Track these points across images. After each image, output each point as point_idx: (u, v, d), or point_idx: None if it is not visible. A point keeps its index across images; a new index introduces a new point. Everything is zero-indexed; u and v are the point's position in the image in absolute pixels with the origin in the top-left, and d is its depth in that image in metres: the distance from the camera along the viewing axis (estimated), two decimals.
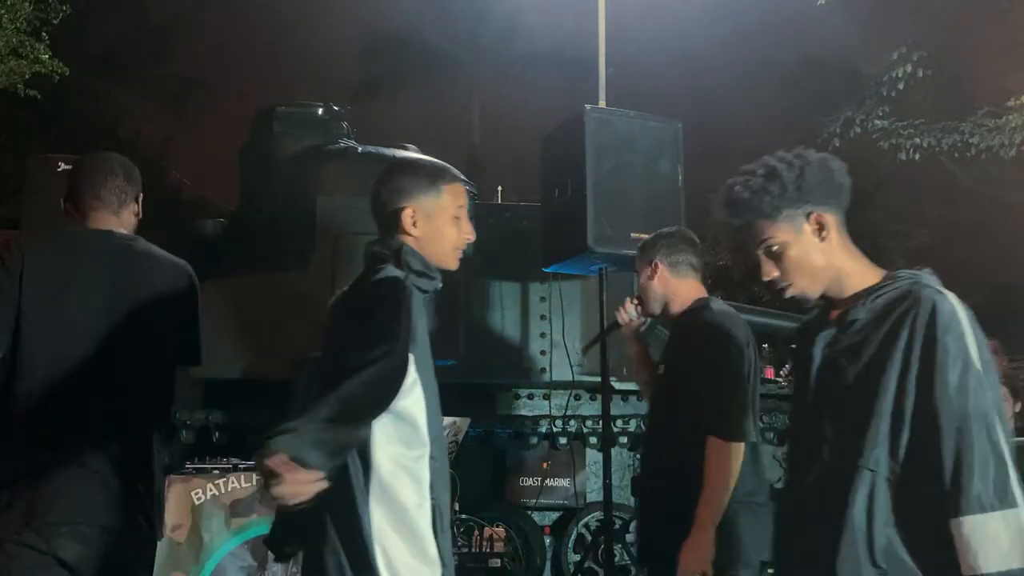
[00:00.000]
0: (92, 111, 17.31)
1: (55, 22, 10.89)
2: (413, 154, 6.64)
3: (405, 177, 2.32)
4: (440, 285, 2.25)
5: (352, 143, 6.49)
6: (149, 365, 2.52)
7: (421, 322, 2.12)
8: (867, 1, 13.62)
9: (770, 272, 1.91)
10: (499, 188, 6.33)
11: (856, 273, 1.91)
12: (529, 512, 5.71)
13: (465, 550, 4.18)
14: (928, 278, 1.86)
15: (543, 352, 5.60)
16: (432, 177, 2.31)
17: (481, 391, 5.76)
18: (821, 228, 1.88)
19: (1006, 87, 13.70)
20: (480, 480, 5.63)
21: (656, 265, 3.10)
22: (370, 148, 6.48)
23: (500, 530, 4.65)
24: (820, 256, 1.89)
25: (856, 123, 14.75)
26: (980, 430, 1.67)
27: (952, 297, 1.81)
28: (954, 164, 15.10)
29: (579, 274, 5.03)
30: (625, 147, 4.46)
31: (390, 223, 2.28)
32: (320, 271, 5.56)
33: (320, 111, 6.53)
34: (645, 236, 4.38)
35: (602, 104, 4.79)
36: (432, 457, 2.08)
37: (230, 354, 5.24)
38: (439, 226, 2.26)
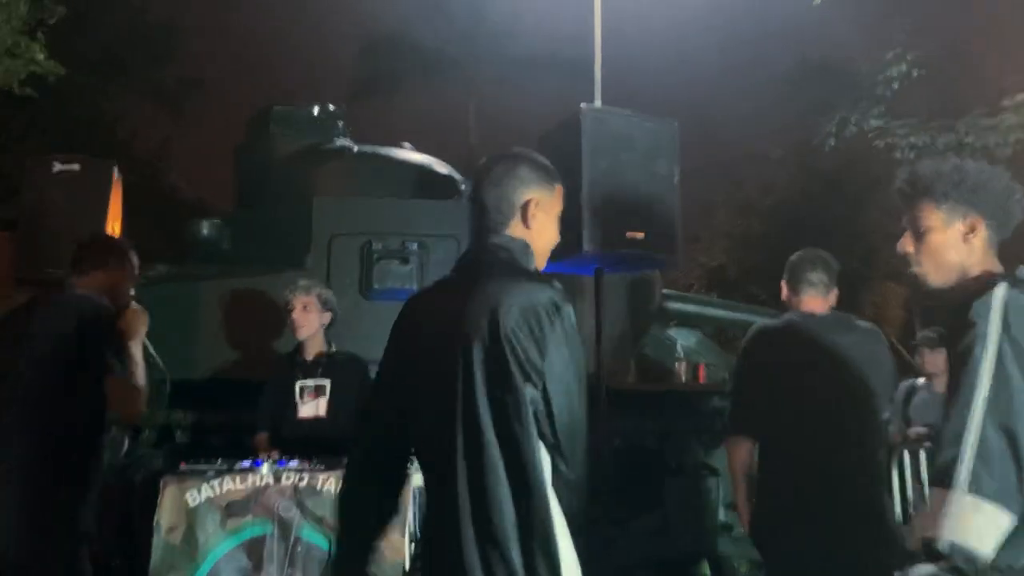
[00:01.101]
0: (90, 112, 17.29)
1: (51, 22, 10.88)
2: (408, 153, 6.64)
3: (524, 167, 2.18)
4: None
5: (348, 143, 6.49)
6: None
7: None
8: (861, 1, 13.65)
9: (906, 246, 2.11)
10: None
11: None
12: None
13: None
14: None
15: None
16: (548, 171, 2.22)
17: None
18: (970, 232, 2.03)
19: (1000, 86, 13.73)
20: None
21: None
22: (366, 148, 6.49)
23: None
24: (955, 254, 2.03)
25: (852, 122, 14.79)
26: None
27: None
28: None
29: (575, 274, 5.02)
30: (621, 147, 4.45)
31: (508, 215, 2.15)
32: (316, 271, 5.56)
33: (316, 111, 6.54)
34: (641, 236, 4.40)
35: (598, 104, 4.78)
36: None
37: (230, 355, 5.24)
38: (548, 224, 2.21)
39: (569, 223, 4.40)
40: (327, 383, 4.18)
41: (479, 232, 2.19)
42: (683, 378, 6.36)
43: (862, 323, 3.49)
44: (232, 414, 5.02)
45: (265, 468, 3.60)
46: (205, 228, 5.88)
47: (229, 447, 4.52)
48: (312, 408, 4.17)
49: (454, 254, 5.67)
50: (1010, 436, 1.73)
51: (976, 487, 1.71)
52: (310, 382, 4.18)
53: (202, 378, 5.12)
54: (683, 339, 7.04)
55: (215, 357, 5.24)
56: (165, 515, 3.46)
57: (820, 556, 3.08)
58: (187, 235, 5.89)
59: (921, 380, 5.28)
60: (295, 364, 4.27)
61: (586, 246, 4.27)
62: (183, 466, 3.65)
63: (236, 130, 6.94)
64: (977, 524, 1.70)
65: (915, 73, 13.73)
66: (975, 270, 2.02)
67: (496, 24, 20.12)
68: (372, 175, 6.27)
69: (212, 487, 3.52)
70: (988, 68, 14.46)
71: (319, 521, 3.53)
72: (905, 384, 5.35)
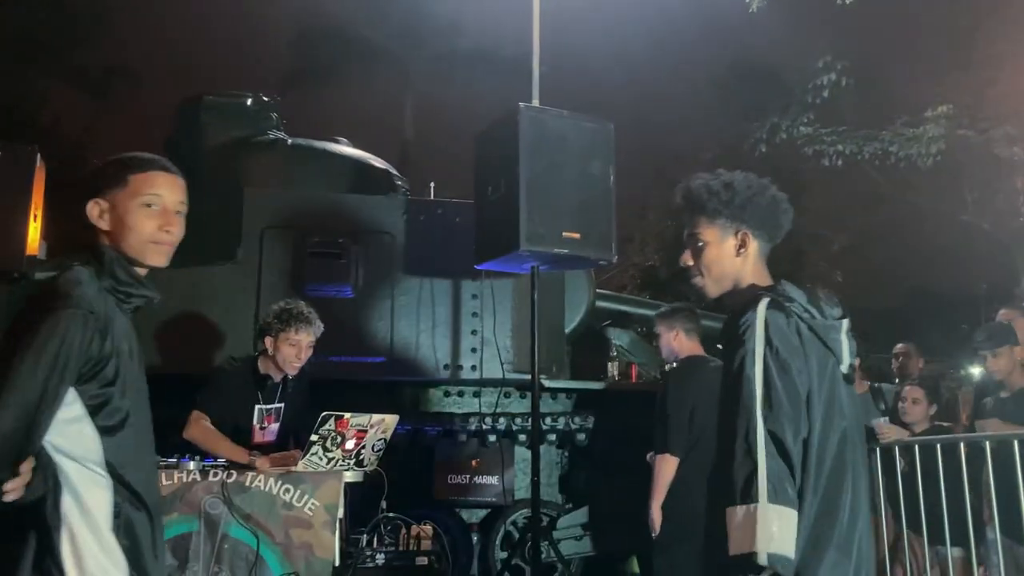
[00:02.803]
0: (10, 97, 16.69)
1: None
2: (343, 148, 6.57)
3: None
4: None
5: (282, 135, 6.39)
6: None
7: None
8: (795, 10, 13.95)
9: (687, 260, 2.26)
10: (431, 184, 6.31)
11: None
12: (457, 510, 5.70)
13: (392, 548, 4.15)
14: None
15: (474, 350, 5.60)
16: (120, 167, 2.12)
17: (411, 388, 5.74)
18: (742, 245, 2.19)
19: (923, 98, 14.20)
20: (408, 478, 5.61)
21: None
22: (300, 140, 6.40)
23: (427, 528, 4.63)
24: (730, 266, 2.20)
25: (782, 129, 15.11)
26: None
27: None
28: (875, 171, 15.60)
29: (511, 272, 5.04)
30: (558, 147, 4.48)
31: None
32: (247, 264, 5.46)
33: (249, 102, 6.43)
34: (576, 236, 4.43)
35: (536, 103, 4.81)
36: None
37: (154, 350, 5.11)
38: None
39: (506, 221, 4.44)
40: (282, 407, 4.08)
41: None
42: (616, 377, 6.43)
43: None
44: (158, 410, 4.90)
45: (192, 465, 3.52)
46: None
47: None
48: (270, 434, 4.07)
49: (390, 250, 5.64)
50: (778, 442, 1.91)
51: (774, 497, 1.87)
52: (270, 407, 4.06)
53: None
54: (616, 338, 7.12)
55: (142, 351, 5.11)
56: None
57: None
58: None
59: None
60: (257, 385, 4.04)
61: (522, 245, 4.29)
62: None
63: (166, 119, 6.79)
64: (782, 530, 1.86)
65: (844, 82, 14.08)
66: (746, 282, 2.19)
67: (434, 19, 20.01)
68: (306, 168, 6.20)
69: None
70: (912, 80, 14.94)
71: (246, 518, 3.47)
72: None
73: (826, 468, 1.96)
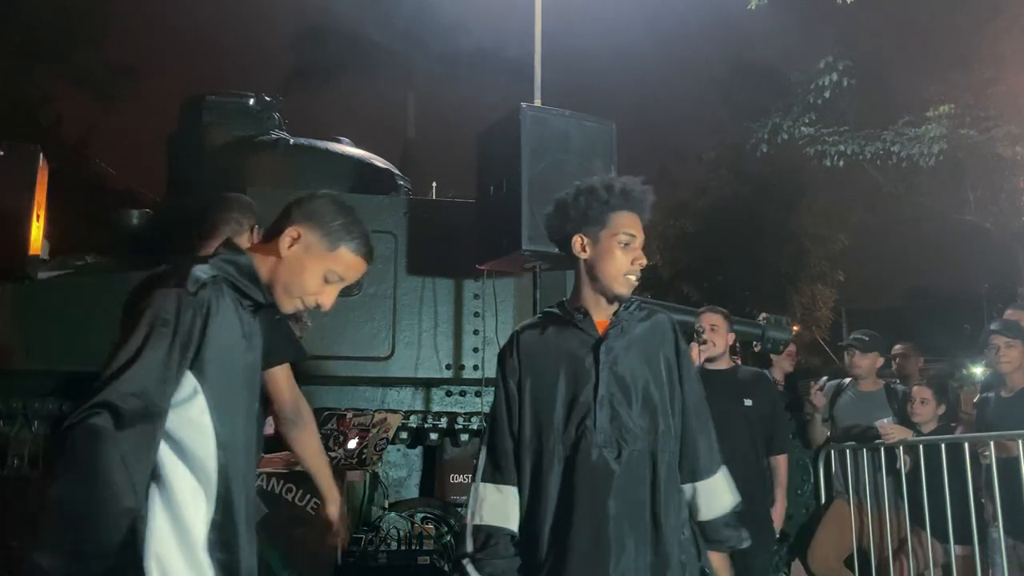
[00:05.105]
0: (12, 96, 16.70)
1: None
2: (345, 147, 6.58)
3: (325, 205, 2.19)
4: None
5: (284, 135, 6.39)
6: None
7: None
8: (796, 9, 13.95)
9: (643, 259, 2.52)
10: (433, 184, 6.30)
11: None
12: (459, 509, 5.70)
13: (394, 547, 4.16)
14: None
15: (476, 349, 5.60)
16: (343, 233, 2.18)
17: (412, 387, 5.74)
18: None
19: (925, 98, 14.19)
20: (411, 477, 5.61)
21: None
22: (302, 140, 6.40)
23: (430, 527, 4.64)
24: None
25: (783, 129, 15.10)
26: None
27: None
28: (876, 171, 15.59)
29: (513, 272, 5.04)
30: (560, 146, 4.48)
31: (272, 230, 2.18)
32: None
33: (251, 102, 6.42)
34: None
35: (538, 103, 4.80)
36: None
37: None
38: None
39: (508, 221, 4.43)
40: None
41: None
42: None
43: None
44: None
45: None
46: (134, 218, 5.73)
47: None
48: (268, 426, 4.08)
49: (392, 250, 5.65)
50: None
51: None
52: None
53: None
54: None
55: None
56: None
57: None
58: (115, 224, 5.73)
59: (847, 380, 5.42)
60: None
61: (524, 244, 4.29)
62: None
63: (168, 118, 6.79)
64: None
65: (845, 82, 14.07)
66: None
67: (437, 19, 20.02)
68: (308, 168, 6.20)
69: None
70: (914, 80, 14.93)
71: None
72: (831, 384, 5.49)
73: None
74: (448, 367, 5.58)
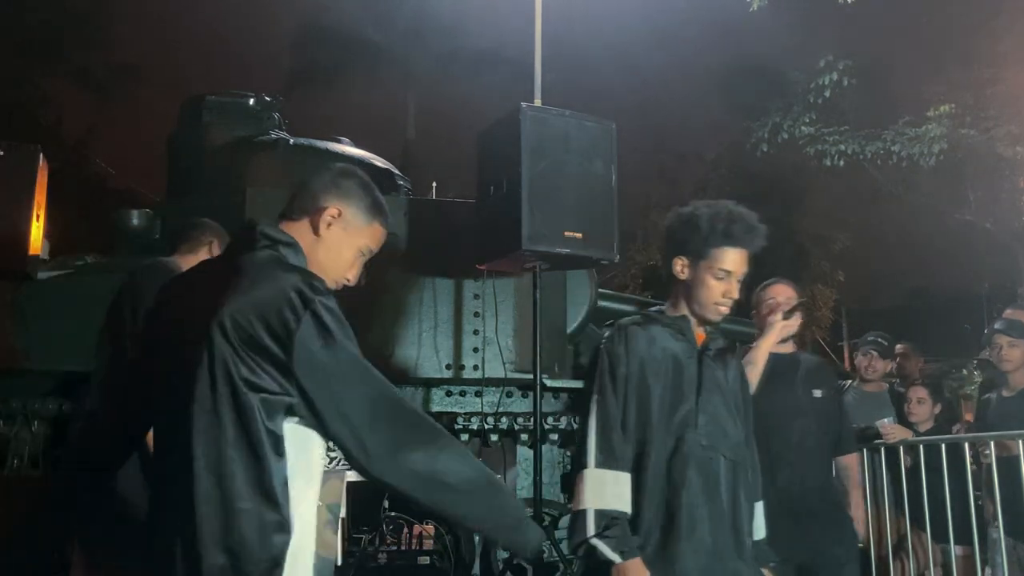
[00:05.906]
0: (12, 96, 16.70)
1: None
2: (345, 148, 6.58)
3: (354, 182, 2.17)
4: None
5: (284, 135, 6.39)
6: None
7: None
8: (796, 9, 13.94)
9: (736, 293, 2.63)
10: (434, 184, 6.31)
11: None
12: None
13: (394, 548, 4.16)
14: None
15: (476, 349, 5.59)
16: (375, 206, 2.17)
17: (412, 388, 5.74)
18: None
19: (925, 97, 14.19)
20: None
21: None
22: (302, 140, 6.40)
23: (429, 527, 4.64)
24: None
25: (784, 129, 15.10)
26: None
27: None
28: (876, 171, 15.59)
29: (513, 272, 5.04)
30: (560, 146, 4.48)
31: (302, 210, 2.09)
32: None
33: (251, 102, 6.42)
34: (578, 235, 4.43)
35: (538, 103, 4.81)
36: None
37: None
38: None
39: (508, 221, 4.44)
40: None
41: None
42: None
43: None
44: None
45: None
46: (135, 218, 5.73)
47: None
48: None
49: (392, 249, 5.64)
50: None
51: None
52: None
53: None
54: None
55: None
56: None
57: None
58: (116, 225, 5.73)
59: (850, 381, 5.42)
60: None
61: (524, 244, 4.29)
62: None
63: (168, 118, 6.79)
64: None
65: (846, 82, 14.07)
66: None
67: (437, 19, 20.01)
68: (308, 168, 6.17)
69: None
70: (914, 79, 14.93)
71: None
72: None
73: None
74: (448, 367, 5.57)
